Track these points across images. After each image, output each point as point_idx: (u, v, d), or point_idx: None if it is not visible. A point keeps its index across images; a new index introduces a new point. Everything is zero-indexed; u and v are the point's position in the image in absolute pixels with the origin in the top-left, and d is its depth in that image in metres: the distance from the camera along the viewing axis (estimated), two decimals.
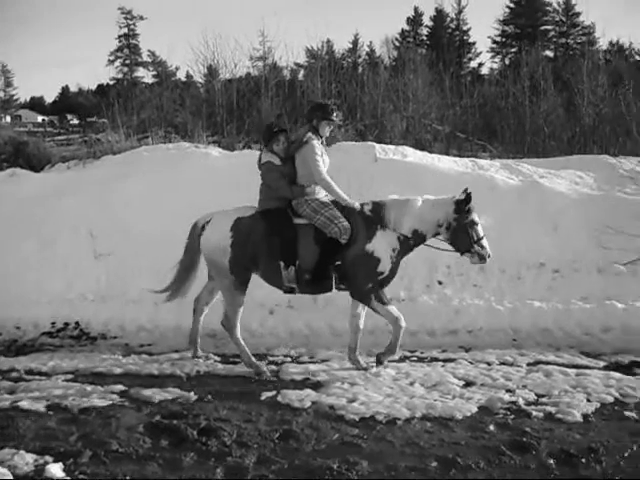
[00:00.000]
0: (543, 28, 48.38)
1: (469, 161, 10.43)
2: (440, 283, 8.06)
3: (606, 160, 11.07)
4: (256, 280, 6.33)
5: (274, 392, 5.60)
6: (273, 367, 6.28)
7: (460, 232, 5.99)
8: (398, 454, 4.44)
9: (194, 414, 5.12)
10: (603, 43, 37.64)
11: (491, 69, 40.06)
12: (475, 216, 6.04)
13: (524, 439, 4.61)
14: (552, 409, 5.17)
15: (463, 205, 5.94)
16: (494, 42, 49.32)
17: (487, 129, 17.11)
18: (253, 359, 6.18)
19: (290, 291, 6.09)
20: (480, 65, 43.91)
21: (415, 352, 6.60)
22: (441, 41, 42.35)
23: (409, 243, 6.10)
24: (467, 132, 16.43)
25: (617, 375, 5.90)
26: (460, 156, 12.08)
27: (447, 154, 12.38)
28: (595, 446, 4.49)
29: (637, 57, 37.74)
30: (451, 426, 4.88)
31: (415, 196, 6.16)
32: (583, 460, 4.32)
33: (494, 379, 5.87)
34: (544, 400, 5.38)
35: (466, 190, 5.98)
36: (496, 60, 47.08)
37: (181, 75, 32.39)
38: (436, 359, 6.43)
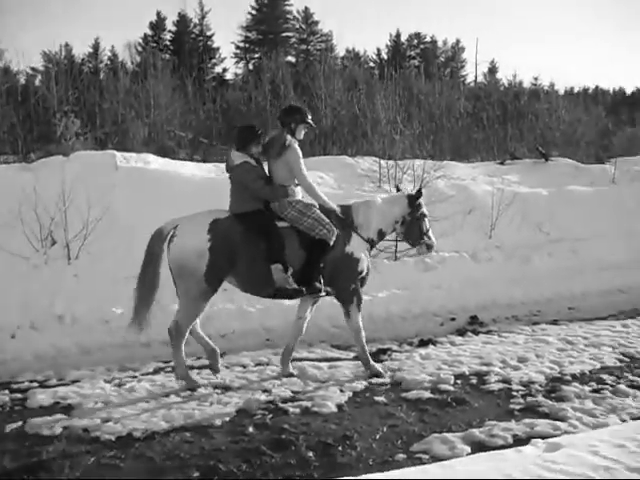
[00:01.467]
0: (284, 35, 50.25)
1: (213, 166, 10.53)
2: None
3: (345, 160, 11.80)
4: None
5: (20, 422, 5.15)
6: (18, 395, 5.78)
7: (413, 225, 6.43)
8: (158, 470, 4.38)
9: None
10: (340, 50, 40.04)
11: (235, 74, 40.72)
12: (425, 209, 6.51)
13: (283, 436, 4.81)
14: (308, 404, 5.44)
15: (414, 200, 6.39)
16: (237, 48, 50.17)
17: (231, 134, 17.38)
18: (188, 373, 5.95)
19: (274, 295, 5.99)
20: (224, 70, 44.40)
21: (170, 362, 6.46)
22: (184, 46, 42.17)
23: (374, 242, 6.41)
24: (211, 137, 16.53)
25: None
26: (205, 161, 12.13)
27: (192, 160, 12.37)
28: (349, 433, 4.84)
29: (370, 63, 40.63)
30: (211, 433, 4.92)
31: (373, 197, 6.56)
32: (340, 448, 4.62)
33: (250, 381, 6.03)
34: (300, 396, 5.64)
35: (420, 188, 6.60)
36: (240, 65, 47.92)
37: None
38: (191, 367, 6.37)
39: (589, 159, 15.31)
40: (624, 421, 5.01)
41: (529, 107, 19.42)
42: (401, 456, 4.48)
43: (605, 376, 6.05)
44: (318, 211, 6.00)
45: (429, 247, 6.55)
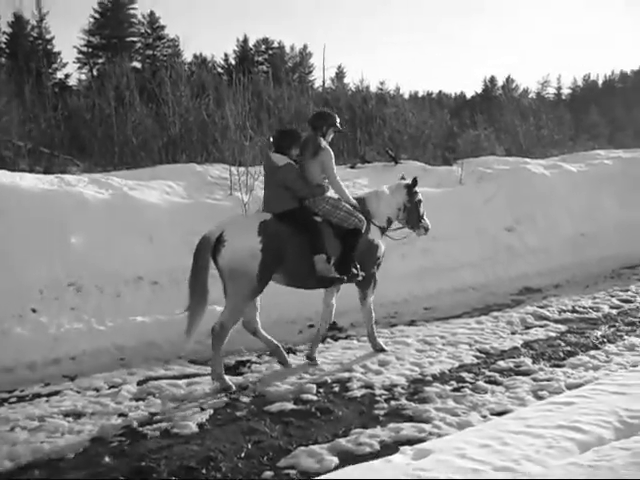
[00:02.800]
0: (129, 39, 48.92)
1: (55, 177, 9.87)
2: (34, 311, 7.40)
3: (194, 168, 11.46)
4: None
5: None
6: None
7: (412, 211, 7.20)
8: None
9: None
10: (188, 56, 39.44)
11: (79, 80, 39.03)
12: (420, 195, 7.30)
13: (143, 463, 4.55)
14: (167, 425, 5.18)
15: (412, 188, 7.19)
16: (80, 52, 48.30)
17: (75, 143, 16.49)
18: (223, 374, 6.03)
19: (318, 285, 6.61)
20: (67, 76, 42.50)
21: (14, 391, 5.95)
22: (21, 50, 39.94)
23: (384, 230, 7.08)
24: (53, 147, 15.61)
25: (226, 378, 6.09)
26: (46, 173, 11.38)
27: (32, 171, 11.58)
28: (213, 454, 4.65)
29: (219, 69, 40.30)
30: (63, 468, 4.53)
31: (381, 188, 7.22)
32: (203, 471, 4.43)
33: (104, 405, 5.65)
34: (159, 417, 5.36)
35: (415, 177, 7.30)
36: (84, 71, 46.09)
37: None
38: (39, 395, 5.90)
39: (436, 161, 15.83)
40: (485, 417, 5.13)
41: (377, 111, 19.81)
42: (268, 473, 4.35)
43: (464, 374, 6.20)
44: (347, 205, 6.61)
45: (426, 229, 7.37)
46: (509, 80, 73.60)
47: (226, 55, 51.65)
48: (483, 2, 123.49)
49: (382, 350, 6.85)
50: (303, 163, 6.57)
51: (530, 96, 66.84)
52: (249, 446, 4.77)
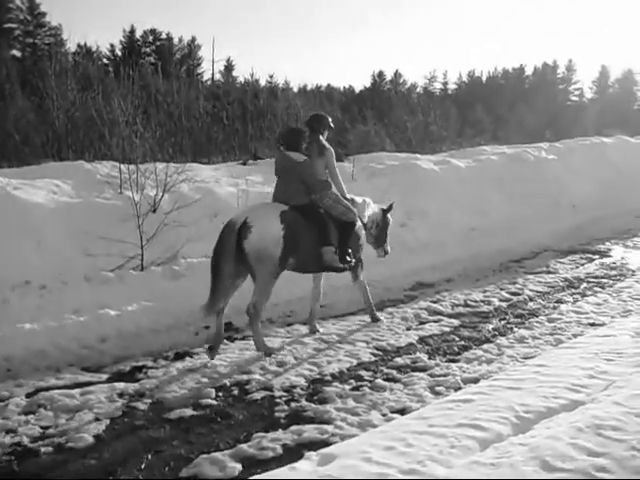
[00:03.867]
0: (7, 26, 46.48)
1: None
2: None
3: (82, 166, 11.08)
4: None
5: None
6: None
7: (382, 230, 8.15)
8: None
9: None
10: (71, 45, 37.92)
11: None
12: (391, 221, 8.28)
13: None
14: (61, 439, 4.93)
15: (387, 211, 8.19)
16: None
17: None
18: (265, 343, 6.78)
19: (321, 270, 7.38)
20: None
21: None
22: None
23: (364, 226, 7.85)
24: None
25: (122, 385, 5.96)
26: None
27: None
28: (112, 468, 4.49)
29: (104, 60, 39.00)
30: None
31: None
32: None
33: None
34: (51, 431, 5.09)
35: (392, 203, 8.32)
36: None
37: None
38: None
39: None
40: (385, 415, 5.19)
41: (268, 106, 19.75)
42: None
43: (362, 372, 6.25)
44: (344, 200, 7.37)
45: (386, 252, 8.35)
46: (397, 75, 75.37)
47: (112, 46, 50.23)
48: None
49: (378, 320, 7.77)
50: (310, 160, 7.19)
51: (417, 91, 68.81)
52: (149, 457, 4.63)
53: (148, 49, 56.85)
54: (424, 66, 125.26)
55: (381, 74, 77.02)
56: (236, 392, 5.84)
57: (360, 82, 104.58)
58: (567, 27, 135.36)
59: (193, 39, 56.70)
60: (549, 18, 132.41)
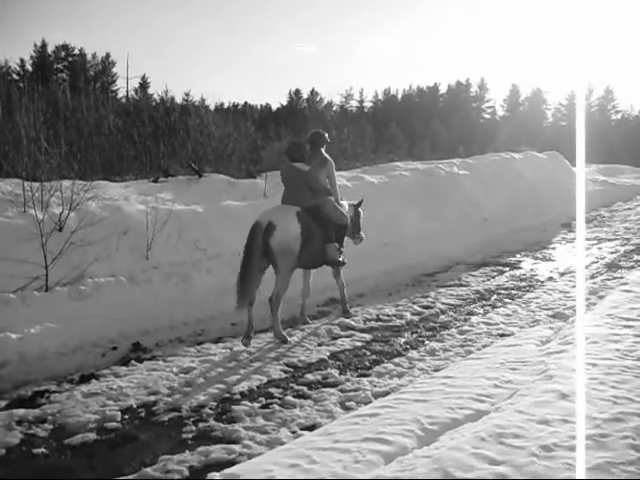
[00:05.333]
0: None
1: None
2: None
3: None
4: None
5: None
6: None
7: (356, 222, 9.19)
8: None
9: None
10: None
11: None
12: (362, 213, 9.36)
13: None
14: None
15: (358, 206, 9.33)
16: None
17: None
18: (282, 331, 7.77)
19: (328, 263, 8.43)
20: None
21: None
22: None
23: None
24: None
25: (21, 411, 5.68)
26: None
27: None
28: None
29: (14, 76, 37.79)
30: None
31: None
32: None
33: None
34: None
35: (362, 199, 9.54)
36: None
37: None
38: None
39: (241, 174, 15.82)
40: (294, 432, 5.13)
41: (180, 123, 19.50)
42: None
43: (272, 389, 6.18)
44: (339, 206, 8.54)
45: (361, 239, 9.37)
46: (313, 93, 76.05)
47: (22, 61, 48.71)
48: None
49: (351, 316, 8.66)
50: (312, 170, 8.22)
51: (334, 109, 69.48)
52: None
53: (60, 65, 55.50)
54: (341, 84, 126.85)
55: (297, 92, 77.67)
56: (143, 414, 5.67)
57: (277, 100, 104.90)
58: (479, 47, 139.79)
59: (107, 55, 55.77)
60: (461, 37, 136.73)
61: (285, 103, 73.06)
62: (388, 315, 8.87)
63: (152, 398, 5.97)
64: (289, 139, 21.27)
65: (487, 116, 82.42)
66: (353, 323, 8.44)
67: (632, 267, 11.77)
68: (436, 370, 6.49)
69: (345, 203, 8.95)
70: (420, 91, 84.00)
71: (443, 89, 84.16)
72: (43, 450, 4.96)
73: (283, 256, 7.67)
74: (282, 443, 4.82)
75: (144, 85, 51.82)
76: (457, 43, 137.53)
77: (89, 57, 56.26)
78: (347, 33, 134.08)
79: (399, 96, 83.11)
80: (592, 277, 11.00)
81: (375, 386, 6.19)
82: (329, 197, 8.38)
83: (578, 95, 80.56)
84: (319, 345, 7.59)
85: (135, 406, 5.80)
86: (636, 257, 12.90)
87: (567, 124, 68.71)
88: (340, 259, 8.43)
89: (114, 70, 54.87)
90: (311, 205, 8.08)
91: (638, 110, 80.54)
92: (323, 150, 8.52)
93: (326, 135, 8.72)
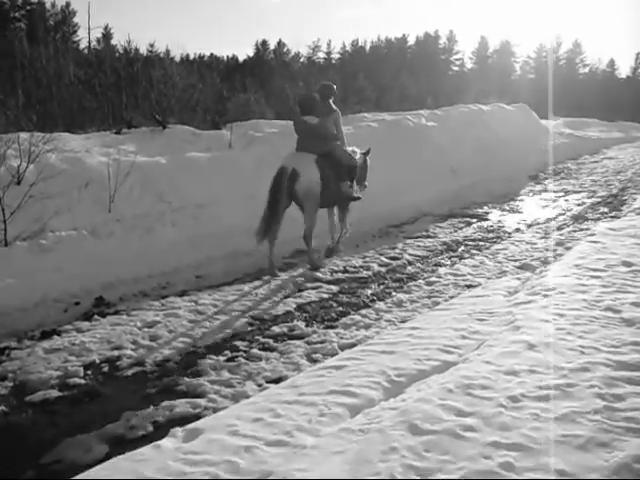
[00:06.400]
0: None
1: None
2: None
3: None
4: None
5: None
6: None
7: (364, 170, 9.91)
8: None
9: None
10: None
11: None
12: (369, 161, 10.12)
13: None
14: None
15: (367, 154, 10.03)
16: None
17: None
18: (316, 258, 8.85)
19: (345, 199, 9.32)
20: None
21: None
22: None
23: None
24: None
25: None
26: None
27: None
28: None
29: None
30: None
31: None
32: None
33: None
34: None
35: (369, 148, 10.18)
36: None
37: None
38: None
39: (206, 125, 15.51)
40: (260, 385, 5.07)
41: (144, 74, 19.01)
42: (31, 472, 3.95)
43: (238, 342, 6.10)
44: (347, 150, 9.33)
45: (365, 187, 10.03)
46: (281, 44, 74.83)
47: None
48: None
49: (333, 254, 9.43)
50: (321, 119, 8.93)
51: (301, 60, 68.50)
52: (10, 444, 4.31)
53: (17, 14, 53.78)
54: (309, 35, 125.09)
55: (264, 43, 76.35)
56: (106, 369, 5.56)
57: (244, 51, 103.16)
58: None
59: (67, 4, 54.16)
60: None
61: (252, 54, 71.84)
62: (355, 267, 8.81)
63: (115, 353, 5.86)
64: (254, 90, 20.99)
65: (456, 68, 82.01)
66: (320, 275, 8.38)
67: (598, 219, 11.84)
68: (403, 321, 6.46)
69: (357, 150, 9.74)
70: (388, 42, 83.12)
71: (412, 41, 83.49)
72: (3, 408, 4.84)
73: (307, 199, 8.57)
74: (248, 396, 4.76)
75: (107, 36, 50.46)
76: None
77: (48, 6, 54.59)
78: None
79: (367, 47, 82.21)
80: (559, 229, 11.07)
81: (342, 338, 6.14)
82: (337, 142, 9.16)
83: (547, 48, 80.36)
84: (285, 297, 7.50)
85: (98, 361, 5.69)
86: (602, 209, 12.98)
87: (535, 77, 68.82)
88: (354, 194, 9.36)
89: (75, 20, 53.41)
90: (323, 151, 8.81)
91: (606, 64, 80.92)
92: (331, 101, 9.28)
93: (334, 87, 9.50)
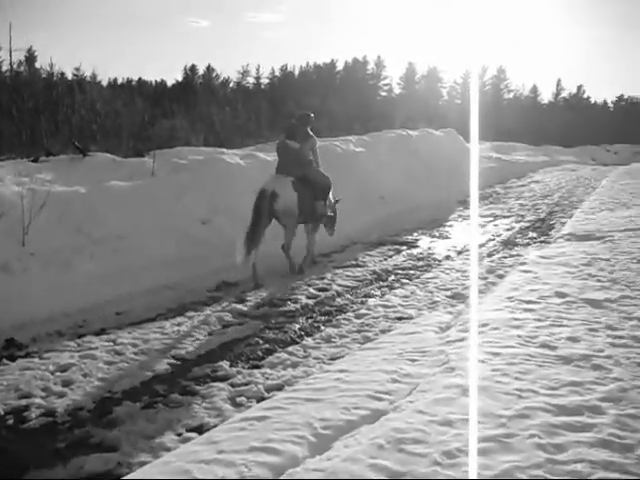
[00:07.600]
0: None
1: None
2: None
3: None
4: None
5: None
6: None
7: (333, 217, 10.59)
8: None
9: None
10: None
11: None
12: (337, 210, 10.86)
13: None
14: None
15: (337, 202, 10.79)
16: None
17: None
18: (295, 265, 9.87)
19: (320, 217, 10.20)
20: None
21: None
22: None
23: None
24: None
25: None
26: None
27: None
28: None
29: None
30: None
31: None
32: None
33: None
34: None
35: (340, 198, 10.91)
36: None
37: None
38: None
39: (129, 152, 15.05)
40: (180, 435, 4.75)
41: (64, 99, 18.43)
42: None
43: (158, 386, 5.74)
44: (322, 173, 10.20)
45: (333, 232, 10.89)
46: (210, 69, 74.45)
47: None
48: None
49: (302, 272, 9.82)
50: (300, 148, 9.84)
51: (231, 85, 68.19)
52: None
53: None
54: (239, 62, 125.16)
55: (193, 68, 75.83)
56: (11, 421, 5.10)
57: (174, 76, 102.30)
58: (376, 24, 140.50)
59: None
60: (358, 15, 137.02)
61: (181, 79, 71.14)
62: (282, 299, 8.50)
63: (23, 402, 5.39)
64: (181, 116, 20.65)
65: (384, 94, 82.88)
66: (245, 309, 8.04)
67: (528, 244, 11.88)
68: (332, 359, 6.21)
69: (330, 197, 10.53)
70: (317, 68, 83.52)
71: (340, 66, 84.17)
72: None
73: (286, 217, 9.46)
74: (167, 448, 4.43)
75: (30, 58, 49.13)
76: (354, 20, 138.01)
77: None
78: (240, 9, 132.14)
79: (296, 72, 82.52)
80: (489, 255, 11.04)
81: (267, 378, 5.84)
82: (312, 166, 10.02)
83: (472, 74, 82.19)
84: (209, 334, 7.14)
85: (3, 413, 5.23)
86: (531, 234, 13.04)
87: (462, 102, 70.16)
88: (328, 212, 10.26)
89: None
90: (299, 174, 9.67)
91: (529, 89, 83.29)
92: (308, 128, 10.15)
93: (312, 115, 10.41)
